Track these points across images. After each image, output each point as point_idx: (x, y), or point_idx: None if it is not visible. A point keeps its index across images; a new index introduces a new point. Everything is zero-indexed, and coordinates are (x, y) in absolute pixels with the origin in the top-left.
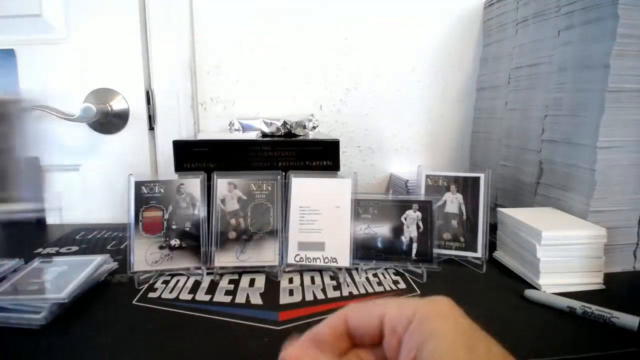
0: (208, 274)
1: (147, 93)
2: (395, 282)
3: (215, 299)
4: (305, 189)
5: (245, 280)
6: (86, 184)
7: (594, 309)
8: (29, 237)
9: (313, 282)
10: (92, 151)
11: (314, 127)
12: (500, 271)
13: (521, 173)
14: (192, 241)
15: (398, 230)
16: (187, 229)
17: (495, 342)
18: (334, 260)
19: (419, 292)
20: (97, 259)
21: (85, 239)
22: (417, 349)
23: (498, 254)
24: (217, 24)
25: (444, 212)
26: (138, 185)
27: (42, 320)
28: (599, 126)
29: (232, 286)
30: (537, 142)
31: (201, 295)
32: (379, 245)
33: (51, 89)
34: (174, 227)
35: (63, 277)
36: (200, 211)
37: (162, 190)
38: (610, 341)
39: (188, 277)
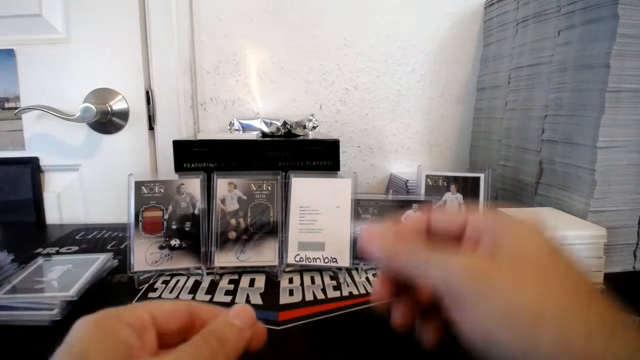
0: (208, 274)
1: (147, 93)
2: None
3: (215, 299)
4: (305, 188)
5: (245, 280)
6: (86, 184)
7: None
8: (29, 237)
9: (313, 282)
10: (92, 151)
11: (314, 127)
12: None
13: (521, 173)
14: (192, 241)
15: None
16: (187, 229)
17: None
18: (334, 260)
19: None
20: (101, 257)
21: (85, 239)
22: (497, 245)
23: None
24: (217, 24)
25: None
26: (138, 185)
27: (56, 316)
28: (598, 126)
29: (232, 286)
30: (537, 142)
31: (201, 295)
32: None
33: (51, 89)
34: (174, 227)
35: (69, 275)
36: (200, 211)
37: (162, 190)
38: None
39: (188, 277)
